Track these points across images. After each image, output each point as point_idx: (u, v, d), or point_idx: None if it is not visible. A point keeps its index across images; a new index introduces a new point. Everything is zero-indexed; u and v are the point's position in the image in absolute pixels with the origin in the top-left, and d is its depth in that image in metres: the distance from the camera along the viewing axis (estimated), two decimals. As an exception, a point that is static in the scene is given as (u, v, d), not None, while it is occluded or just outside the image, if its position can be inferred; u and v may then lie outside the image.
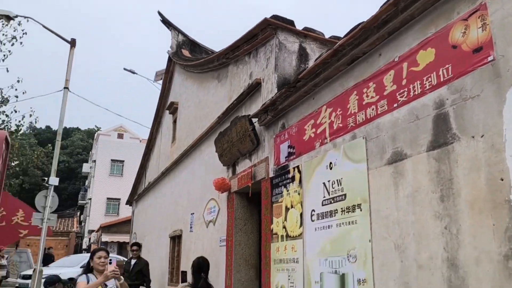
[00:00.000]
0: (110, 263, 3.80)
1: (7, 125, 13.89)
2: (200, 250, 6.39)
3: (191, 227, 7.04)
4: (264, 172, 4.61)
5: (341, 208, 3.22)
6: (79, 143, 52.86)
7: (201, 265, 4.30)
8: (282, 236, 4.03)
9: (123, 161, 37.63)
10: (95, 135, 42.69)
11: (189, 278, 4.55)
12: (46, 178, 11.06)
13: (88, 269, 3.83)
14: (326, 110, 3.60)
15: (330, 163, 3.45)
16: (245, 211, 5.37)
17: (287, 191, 4.05)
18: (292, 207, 3.94)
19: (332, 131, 3.51)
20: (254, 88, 5.01)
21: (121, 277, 3.99)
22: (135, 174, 13.25)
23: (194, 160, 7.42)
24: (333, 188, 3.36)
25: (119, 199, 35.82)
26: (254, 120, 4.83)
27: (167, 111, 10.05)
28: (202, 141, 6.99)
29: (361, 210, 2.98)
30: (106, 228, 24.54)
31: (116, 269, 3.74)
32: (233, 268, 5.08)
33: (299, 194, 3.85)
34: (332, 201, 3.35)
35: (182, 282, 4.36)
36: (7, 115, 13.01)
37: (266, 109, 4.44)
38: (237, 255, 5.15)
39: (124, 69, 13.14)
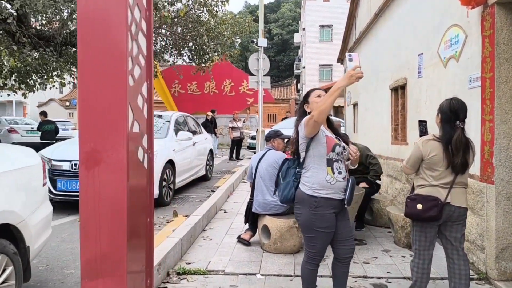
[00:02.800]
0: (351, 60, 2.48)
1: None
2: (435, 99, 4.84)
3: (419, 72, 5.43)
4: None
5: None
6: (289, 14, 53.55)
7: (456, 109, 2.84)
8: None
9: (331, 25, 36.32)
10: (302, 2, 41.92)
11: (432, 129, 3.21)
12: (255, 40, 10.80)
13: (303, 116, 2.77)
14: None
15: None
16: (514, 31, 3.43)
17: None
18: None
19: None
20: None
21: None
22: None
23: (420, -19, 5.44)
24: None
25: (331, 65, 35.59)
26: None
27: None
28: (432, -51, 4.89)
29: None
30: (321, 93, 24.79)
31: (360, 66, 2.46)
32: (494, 117, 3.43)
33: None
34: None
35: (421, 135, 3.06)
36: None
37: None
38: (502, 98, 3.42)
39: None
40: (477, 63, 3.73)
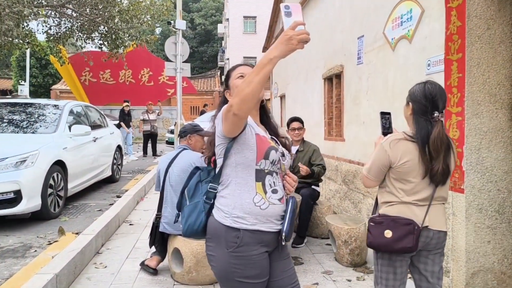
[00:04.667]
0: (288, 14, 1.49)
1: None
2: (380, 88, 4.14)
3: (359, 58, 4.72)
4: None
5: None
6: (212, 4, 52.23)
7: (433, 96, 2.05)
8: None
9: (255, 17, 35.96)
10: (225, -8, 40.87)
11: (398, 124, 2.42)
12: (172, 22, 9.57)
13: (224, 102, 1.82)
14: None
15: None
16: (488, 2, 2.75)
17: None
18: None
19: None
20: None
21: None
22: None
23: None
24: None
25: (255, 57, 35.12)
26: None
27: None
28: None
29: None
30: (246, 85, 23.97)
31: (304, 23, 1.47)
32: (465, 109, 2.73)
33: None
34: None
35: (384, 132, 2.23)
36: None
37: None
38: (474, 86, 2.74)
39: None
40: (439, 43, 3.03)
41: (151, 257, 3.59)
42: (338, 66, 5.41)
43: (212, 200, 1.77)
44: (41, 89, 29.67)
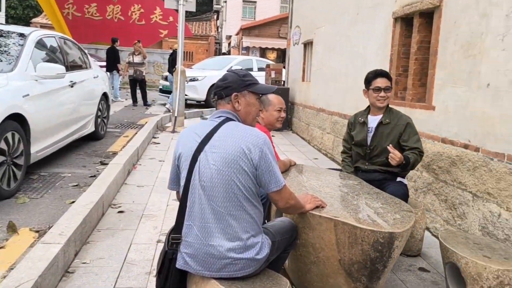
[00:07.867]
0: None
1: None
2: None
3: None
4: None
5: None
6: None
7: None
8: None
9: (258, -45, 32.80)
10: None
11: None
12: None
13: None
14: None
15: None
16: None
17: None
18: None
19: None
20: None
21: None
22: None
23: None
24: None
25: (255, 1, 32.55)
26: None
27: None
28: None
29: None
30: (247, 31, 21.74)
31: None
32: None
33: None
34: None
35: None
36: None
37: None
38: None
39: None
40: None
41: (158, 301, 2.06)
42: (428, -1, 3.70)
43: None
44: (20, 22, 27.11)
